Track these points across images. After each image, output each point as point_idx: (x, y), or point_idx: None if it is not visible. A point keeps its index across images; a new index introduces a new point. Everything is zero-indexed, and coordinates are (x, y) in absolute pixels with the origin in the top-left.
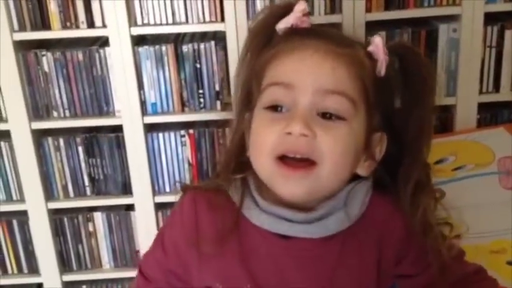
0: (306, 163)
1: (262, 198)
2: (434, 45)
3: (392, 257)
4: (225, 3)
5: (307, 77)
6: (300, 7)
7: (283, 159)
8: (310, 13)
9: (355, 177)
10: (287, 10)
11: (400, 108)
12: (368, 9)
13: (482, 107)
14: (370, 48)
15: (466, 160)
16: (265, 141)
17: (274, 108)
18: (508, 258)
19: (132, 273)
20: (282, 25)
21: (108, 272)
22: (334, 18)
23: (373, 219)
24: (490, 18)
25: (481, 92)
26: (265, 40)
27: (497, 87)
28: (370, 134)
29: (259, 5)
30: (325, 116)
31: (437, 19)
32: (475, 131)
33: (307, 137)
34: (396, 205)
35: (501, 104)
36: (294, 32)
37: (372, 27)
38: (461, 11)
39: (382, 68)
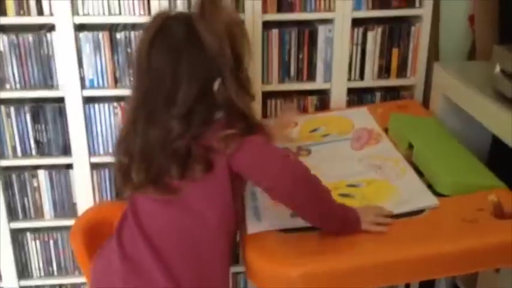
0: None
1: None
2: (315, 42)
3: None
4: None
5: None
6: None
7: None
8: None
9: None
10: None
11: None
12: (264, 11)
13: (350, 91)
14: None
15: (333, 130)
16: None
17: None
18: (340, 192)
19: (69, 222)
20: None
21: (49, 221)
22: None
23: None
24: (356, 22)
25: (349, 80)
26: None
27: (362, 76)
28: None
29: (179, 3)
30: None
31: (317, 21)
32: (344, 109)
33: None
34: None
35: (365, 89)
36: None
37: (268, 26)
38: (334, 15)
39: None
